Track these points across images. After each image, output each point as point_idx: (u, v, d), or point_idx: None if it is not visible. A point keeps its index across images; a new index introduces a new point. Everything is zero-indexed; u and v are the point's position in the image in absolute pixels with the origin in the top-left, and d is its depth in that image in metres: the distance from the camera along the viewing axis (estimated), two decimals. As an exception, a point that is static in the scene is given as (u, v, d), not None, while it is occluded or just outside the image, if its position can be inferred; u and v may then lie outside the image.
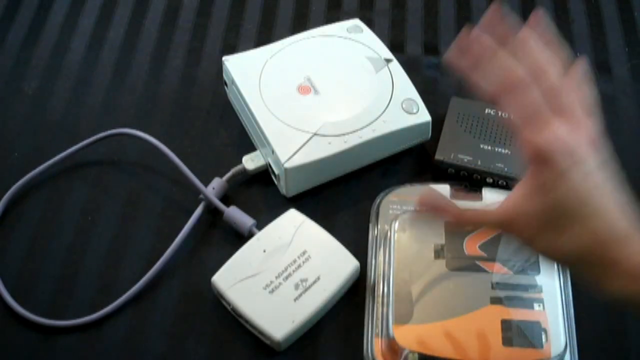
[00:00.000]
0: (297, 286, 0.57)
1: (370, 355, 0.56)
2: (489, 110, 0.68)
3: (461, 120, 0.67)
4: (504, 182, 0.64)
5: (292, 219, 0.61)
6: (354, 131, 0.64)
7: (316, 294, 0.57)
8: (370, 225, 0.63)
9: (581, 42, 0.77)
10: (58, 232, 0.63)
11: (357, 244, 0.61)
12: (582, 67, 0.44)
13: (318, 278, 0.58)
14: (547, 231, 0.42)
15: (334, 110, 0.65)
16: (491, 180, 0.64)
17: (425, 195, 0.48)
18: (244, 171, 0.66)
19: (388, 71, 0.68)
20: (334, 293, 0.58)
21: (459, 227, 0.51)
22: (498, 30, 0.44)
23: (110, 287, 0.60)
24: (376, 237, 0.62)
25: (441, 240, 0.59)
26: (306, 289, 0.57)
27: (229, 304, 0.57)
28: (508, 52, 0.44)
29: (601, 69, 0.75)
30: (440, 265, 0.58)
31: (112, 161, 0.68)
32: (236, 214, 0.63)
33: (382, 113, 0.65)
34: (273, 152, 0.62)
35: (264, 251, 0.59)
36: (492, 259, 0.58)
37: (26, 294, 0.60)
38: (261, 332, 0.56)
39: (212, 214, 0.64)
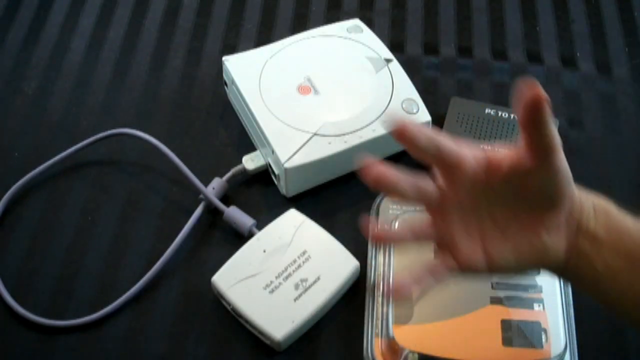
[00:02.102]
0: (297, 286, 0.57)
1: (370, 355, 0.56)
2: (489, 110, 0.68)
3: (461, 120, 0.67)
4: (504, 182, 0.64)
5: (292, 219, 0.61)
6: (354, 131, 0.64)
7: (316, 294, 0.57)
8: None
9: (581, 42, 0.77)
10: (58, 232, 0.63)
11: (357, 244, 0.61)
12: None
13: (318, 278, 0.58)
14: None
15: (334, 110, 0.65)
16: (491, 180, 0.64)
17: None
18: (244, 171, 0.66)
19: (388, 71, 0.68)
20: (334, 293, 0.58)
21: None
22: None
23: (110, 287, 0.60)
24: (376, 237, 0.62)
25: (441, 240, 0.59)
26: (306, 289, 0.57)
27: (229, 304, 0.57)
28: None
29: (601, 69, 0.75)
30: (440, 265, 0.58)
31: (112, 161, 0.68)
32: (236, 214, 0.63)
33: (382, 113, 0.65)
34: (273, 152, 0.62)
35: (264, 251, 0.59)
36: (492, 259, 0.58)
37: (26, 294, 0.60)
38: (261, 332, 0.56)
39: (212, 214, 0.64)
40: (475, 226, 0.47)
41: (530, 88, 0.42)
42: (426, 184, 0.47)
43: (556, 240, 0.46)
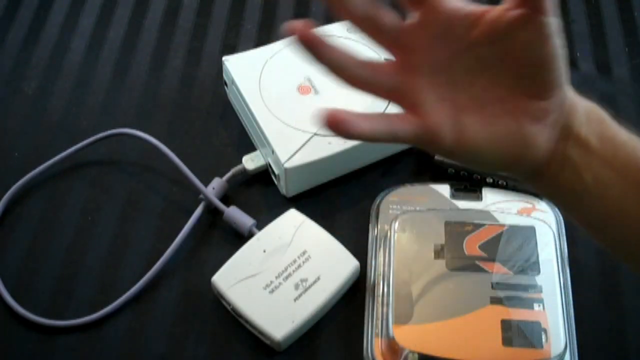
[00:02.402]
0: (297, 286, 0.57)
1: (370, 355, 0.56)
2: (489, 110, 0.68)
3: (461, 120, 0.67)
4: (504, 182, 0.64)
5: (292, 219, 0.61)
6: (354, 131, 0.64)
7: (316, 294, 0.57)
8: (370, 225, 0.63)
9: (581, 42, 0.77)
10: (58, 232, 0.63)
11: (357, 244, 0.61)
12: None
13: (318, 278, 0.58)
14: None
15: (334, 110, 0.65)
16: (491, 180, 0.64)
17: None
18: (244, 171, 0.66)
19: (388, 71, 0.68)
20: (334, 293, 0.58)
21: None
22: None
23: (110, 287, 0.60)
24: (376, 237, 0.62)
25: (441, 240, 0.59)
26: (306, 289, 0.57)
27: (229, 304, 0.57)
28: None
29: (601, 69, 0.75)
30: (440, 265, 0.58)
31: (112, 161, 0.68)
32: (236, 214, 0.63)
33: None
34: (273, 152, 0.63)
35: (264, 251, 0.59)
36: (492, 259, 0.58)
37: (26, 294, 0.60)
38: (261, 332, 0.56)
39: (212, 214, 0.64)
40: (448, 91, 0.41)
41: None
42: (388, 16, 0.41)
43: (539, 135, 0.41)
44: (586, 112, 0.43)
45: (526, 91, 0.41)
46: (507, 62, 0.41)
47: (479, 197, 0.63)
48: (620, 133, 0.43)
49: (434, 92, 0.41)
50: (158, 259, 0.60)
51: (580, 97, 0.43)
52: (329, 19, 0.78)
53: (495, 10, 0.40)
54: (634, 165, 0.42)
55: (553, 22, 0.40)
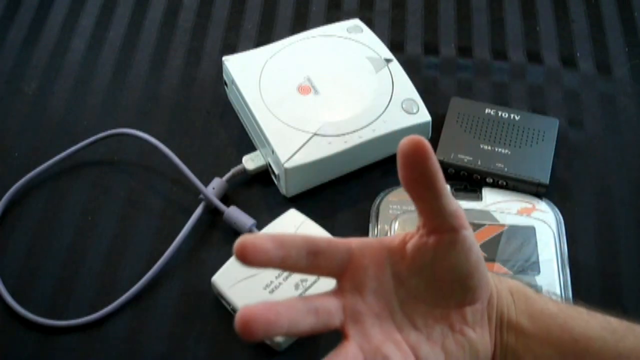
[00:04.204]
0: (297, 286, 0.57)
1: (370, 355, 0.56)
2: (489, 110, 0.68)
3: (461, 120, 0.67)
4: (504, 182, 0.64)
5: (292, 219, 0.61)
6: (354, 131, 0.64)
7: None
8: (370, 225, 0.63)
9: (581, 42, 0.77)
10: (58, 232, 0.63)
11: (357, 244, 0.61)
12: None
13: (318, 278, 0.58)
14: None
15: (334, 110, 0.65)
16: (491, 180, 0.64)
17: None
18: (244, 171, 0.66)
19: (388, 71, 0.68)
20: (334, 293, 0.58)
21: None
22: None
23: (110, 287, 0.60)
24: (376, 237, 0.62)
25: (441, 240, 0.59)
26: (306, 289, 0.57)
27: (229, 304, 0.57)
28: None
29: (601, 69, 0.75)
30: (440, 265, 0.58)
31: (112, 161, 0.68)
32: (236, 214, 0.63)
33: (382, 113, 0.65)
34: (273, 152, 0.63)
35: (264, 251, 0.59)
36: (492, 259, 0.58)
37: (26, 294, 0.60)
38: (261, 332, 0.56)
39: (212, 214, 0.64)
40: (398, 335, 0.42)
41: (409, 140, 0.38)
42: (326, 304, 0.41)
43: (482, 336, 0.42)
44: (510, 293, 0.43)
45: (460, 302, 0.42)
46: (435, 284, 0.41)
47: (478, 197, 0.63)
48: (548, 305, 0.43)
49: (392, 344, 0.41)
50: (158, 259, 0.60)
51: (498, 277, 0.44)
52: (329, 19, 0.79)
53: (412, 242, 0.41)
54: (568, 337, 0.42)
55: (470, 232, 0.40)
